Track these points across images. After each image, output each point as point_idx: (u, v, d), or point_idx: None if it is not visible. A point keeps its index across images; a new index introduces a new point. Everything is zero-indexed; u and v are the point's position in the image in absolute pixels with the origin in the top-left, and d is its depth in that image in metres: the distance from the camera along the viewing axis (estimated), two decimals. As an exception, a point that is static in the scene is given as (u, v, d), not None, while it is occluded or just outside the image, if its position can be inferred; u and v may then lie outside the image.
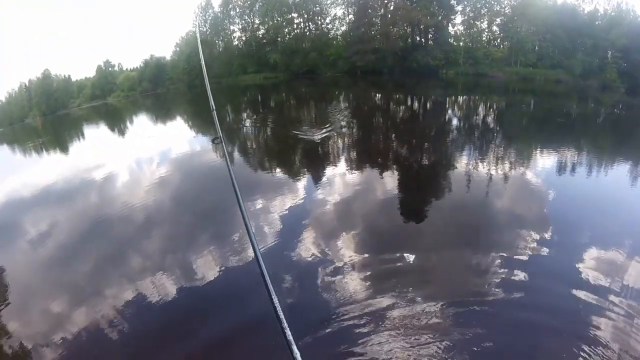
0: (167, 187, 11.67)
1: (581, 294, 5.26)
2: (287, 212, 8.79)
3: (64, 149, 23.60)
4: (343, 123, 17.61)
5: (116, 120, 31.64)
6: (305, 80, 37.53)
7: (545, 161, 11.33)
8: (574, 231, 7.10)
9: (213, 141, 1.59)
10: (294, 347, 1.31)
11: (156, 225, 9.23)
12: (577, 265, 5.95)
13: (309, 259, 6.77)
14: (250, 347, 4.99)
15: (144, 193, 11.34)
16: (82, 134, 28.28)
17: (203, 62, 3.14)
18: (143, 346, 5.36)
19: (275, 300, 1.42)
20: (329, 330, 5.05)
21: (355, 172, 11.20)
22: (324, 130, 14.43)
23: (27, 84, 55.46)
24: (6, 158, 24.81)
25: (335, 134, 14.70)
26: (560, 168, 10.74)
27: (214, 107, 3.02)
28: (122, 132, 26.64)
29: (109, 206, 10.94)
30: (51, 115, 47.46)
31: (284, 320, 1.41)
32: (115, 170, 14.43)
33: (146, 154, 16.51)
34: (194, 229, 8.89)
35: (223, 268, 6.89)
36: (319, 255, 6.82)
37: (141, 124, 29.61)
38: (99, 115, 36.49)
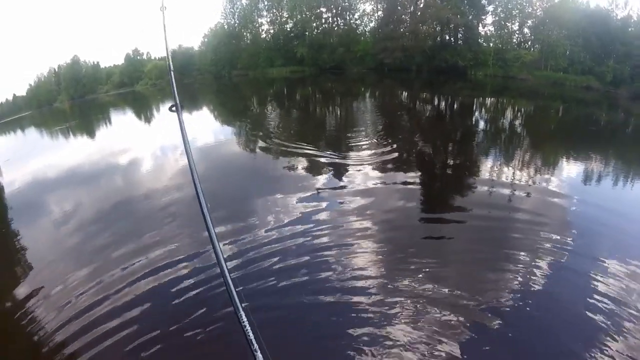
0: (184, 174, 11.80)
1: (601, 305, 5.36)
2: (309, 204, 9.12)
3: (91, 132, 24.54)
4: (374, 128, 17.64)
5: (143, 107, 32.37)
6: (331, 76, 37.66)
7: (572, 168, 11.34)
8: (597, 241, 7.10)
9: (170, 109, 1.67)
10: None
11: (174, 206, 9.57)
12: (598, 276, 6.00)
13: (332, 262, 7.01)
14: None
15: (166, 178, 11.80)
16: (109, 119, 29.14)
17: (169, 53, 3.23)
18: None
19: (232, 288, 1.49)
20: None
21: (376, 169, 11.33)
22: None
23: (56, 69, 57.08)
24: (35, 140, 25.81)
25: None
26: (587, 176, 10.73)
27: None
28: (147, 119, 27.43)
29: (131, 188, 11.49)
30: (79, 99, 48.76)
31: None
32: (138, 154, 15.09)
33: (170, 141, 16.86)
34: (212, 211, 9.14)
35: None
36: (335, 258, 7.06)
37: (167, 111, 30.17)
38: (125, 102, 37.38)
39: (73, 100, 50.28)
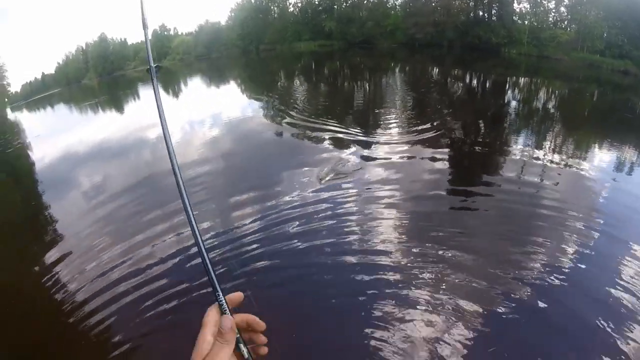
0: (212, 147, 12.34)
1: (629, 286, 5.35)
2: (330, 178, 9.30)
3: (119, 107, 25.11)
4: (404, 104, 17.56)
5: (171, 82, 32.71)
6: (360, 50, 37.22)
7: (604, 154, 11.18)
8: (627, 227, 6.99)
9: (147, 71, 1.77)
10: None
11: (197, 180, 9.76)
12: (625, 260, 5.95)
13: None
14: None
15: (192, 151, 11.99)
16: (137, 95, 29.66)
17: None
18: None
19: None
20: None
21: (403, 145, 11.41)
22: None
23: (84, 47, 57.71)
24: (64, 116, 26.57)
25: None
26: (620, 163, 10.55)
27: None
28: (175, 93, 27.67)
29: (158, 161, 11.65)
30: (107, 76, 49.40)
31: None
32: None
33: (197, 115, 17.39)
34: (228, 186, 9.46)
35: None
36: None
37: (195, 86, 30.53)
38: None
39: (101, 77, 51.09)
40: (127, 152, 13.56)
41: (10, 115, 30.47)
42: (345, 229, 7.10)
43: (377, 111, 15.58)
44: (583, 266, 5.97)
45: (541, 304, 5.14)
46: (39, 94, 45.02)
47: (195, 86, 30.44)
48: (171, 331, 5.14)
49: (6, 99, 40.91)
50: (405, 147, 11.29)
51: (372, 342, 4.84)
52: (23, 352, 5.26)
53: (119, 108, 25.05)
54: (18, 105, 34.28)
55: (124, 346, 5.05)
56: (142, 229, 7.74)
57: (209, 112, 17.83)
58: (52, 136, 19.17)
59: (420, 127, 13.13)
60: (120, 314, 5.57)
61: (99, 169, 12.14)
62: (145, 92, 29.78)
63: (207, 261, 1.03)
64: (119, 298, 5.81)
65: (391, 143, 11.57)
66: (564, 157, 10.83)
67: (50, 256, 7.33)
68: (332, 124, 13.51)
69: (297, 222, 7.37)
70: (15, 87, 49.83)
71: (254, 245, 6.81)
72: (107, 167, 12.15)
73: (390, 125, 13.57)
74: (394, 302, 5.37)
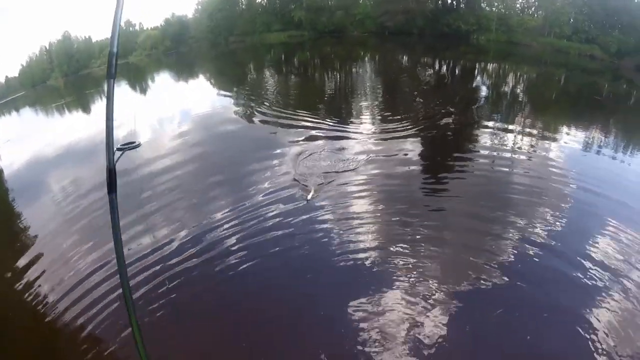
0: (180, 143, 12.06)
1: (591, 276, 5.39)
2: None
3: (86, 108, 24.29)
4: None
5: (137, 79, 31.65)
6: (331, 39, 36.72)
7: (572, 136, 11.18)
8: (594, 209, 7.08)
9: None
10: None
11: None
12: (591, 248, 6.00)
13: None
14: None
15: (161, 148, 11.78)
16: (104, 93, 28.38)
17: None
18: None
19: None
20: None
21: (376, 134, 11.28)
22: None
23: (48, 47, 55.48)
24: (31, 120, 25.53)
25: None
26: (587, 145, 10.59)
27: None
28: (143, 90, 26.94)
29: (128, 161, 10.89)
30: (73, 75, 47.62)
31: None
32: (134, 127, 14.59)
33: (166, 112, 17.02)
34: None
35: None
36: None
37: (163, 81, 29.78)
38: (119, 74, 36.39)
39: (67, 76, 49.15)
40: (96, 153, 12.61)
41: (-26, 123, 28.65)
42: (319, 218, 7.04)
43: (348, 101, 15.37)
44: (553, 242, 6.04)
45: (514, 282, 5.23)
46: (4, 99, 42.79)
47: (163, 82, 29.61)
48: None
49: (-32, 107, 38.92)
50: (377, 135, 11.16)
51: (352, 324, 4.84)
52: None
53: (86, 108, 24.31)
54: None
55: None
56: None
57: (178, 108, 17.36)
58: (21, 141, 18.34)
59: (390, 115, 13.01)
60: (97, 315, 5.57)
61: (68, 171, 11.64)
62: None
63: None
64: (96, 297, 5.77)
65: (362, 133, 11.38)
66: (533, 141, 10.80)
67: (22, 263, 7.16)
68: (303, 115, 13.24)
69: (270, 214, 7.29)
70: None
71: (227, 234, 6.86)
72: (77, 170, 11.67)
73: (362, 114, 13.42)
74: (371, 281, 5.42)
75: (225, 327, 5.19)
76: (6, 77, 56.46)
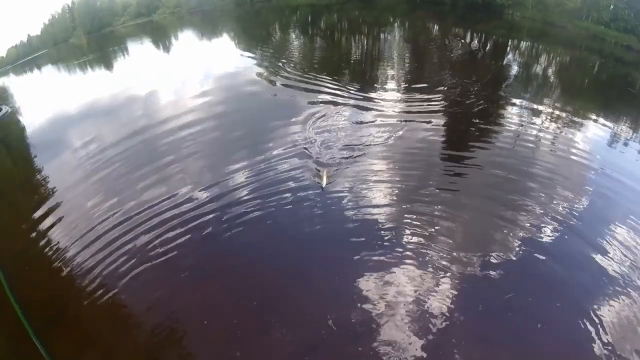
0: (201, 102, 12.19)
1: (604, 269, 5.44)
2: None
3: (108, 65, 24.11)
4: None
5: (162, 37, 31.17)
6: (360, 3, 35.44)
7: (600, 128, 10.93)
8: (610, 205, 7.06)
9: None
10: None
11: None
12: (604, 240, 6.02)
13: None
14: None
15: (182, 105, 12.02)
16: (126, 51, 28.34)
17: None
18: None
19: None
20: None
21: (399, 106, 11.19)
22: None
23: (70, 5, 54.31)
24: (53, 77, 25.42)
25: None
26: (614, 138, 10.35)
27: None
28: (166, 48, 26.79)
29: (149, 119, 11.67)
30: (95, 34, 46.58)
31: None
32: (155, 86, 15.07)
33: (187, 71, 17.12)
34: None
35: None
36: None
37: (186, 40, 29.38)
38: (144, 32, 35.72)
39: (89, 34, 48.15)
40: (117, 110, 13.28)
41: (-3, 80, 28.57)
42: (337, 186, 7.10)
43: (373, 69, 15.17)
44: (566, 237, 6.03)
45: (510, 280, 5.16)
46: (26, 57, 42.27)
47: (186, 40, 29.14)
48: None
49: (-9, 65, 38.50)
50: (401, 106, 11.09)
51: (359, 292, 4.94)
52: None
53: (108, 66, 24.17)
54: (4, 70, 32.12)
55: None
56: (135, 187, 7.94)
57: (201, 67, 17.34)
58: (41, 99, 18.54)
59: (416, 86, 12.84)
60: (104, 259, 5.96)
61: (90, 128, 11.90)
62: (134, 47, 28.92)
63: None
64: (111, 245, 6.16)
65: (387, 101, 11.32)
66: (559, 127, 10.61)
67: (41, 216, 7.49)
68: (325, 81, 13.09)
69: (288, 182, 7.37)
70: (0, 52, 47.04)
71: (247, 192, 7.08)
72: (99, 126, 11.96)
73: (387, 84, 13.23)
74: (382, 252, 5.44)
75: (238, 284, 5.40)
76: (28, 35, 55.93)
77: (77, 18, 52.52)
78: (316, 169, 7.55)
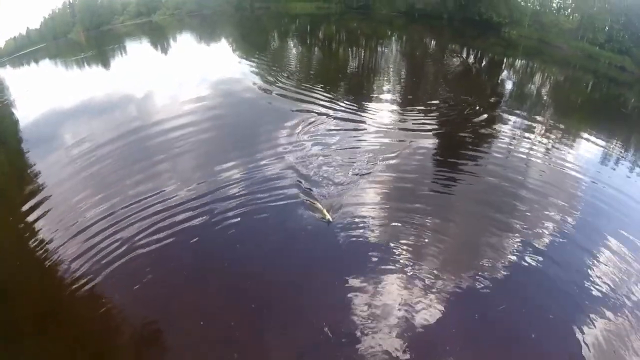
0: (196, 105, 12.13)
1: (597, 280, 5.44)
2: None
3: (105, 63, 23.97)
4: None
5: (160, 38, 31.12)
6: (358, 15, 35.69)
7: (592, 145, 10.95)
8: (601, 218, 7.10)
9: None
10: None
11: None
12: (596, 250, 6.09)
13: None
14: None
15: (176, 108, 11.90)
16: (124, 50, 28.19)
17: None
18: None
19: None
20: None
21: (393, 118, 11.16)
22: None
23: (71, 1, 54.47)
24: (49, 72, 25.20)
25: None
26: (606, 156, 10.39)
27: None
28: (164, 50, 26.64)
29: (143, 118, 11.63)
30: (95, 30, 46.63)
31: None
32: (151, 86, 15.12)
33: (184, 74, 17.07)
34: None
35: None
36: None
37: (185, 43, 29.37)
38: (142, 32, 35.80)
39: (88, 31, 48.18)
40: (112, 108, 13.20)
41: (-7, 72, 28.35)
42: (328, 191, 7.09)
43: (369, 81, 15.20)
44: (560, 248, 6.07)
45: (501, 293, 5.12)
46: (24, 50, 42.12)
47: (185, 43, 29.10)
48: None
49: (-11, 56, 38.28)
50: (395, 119, 11.03)
51: (356, 298, 4.94)
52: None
53: (105, 64, 24.01)
54: (1, 62, 31.93)
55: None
56: (125, 185, 7.85)
57: (198, 71, 17.34)
58: (37, 92, 18.26)
59: (412, 99, 12.96)
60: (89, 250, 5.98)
61: (83, 124, 11.86)
62: (133, 47, 28.81)
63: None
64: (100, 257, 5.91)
65: (379, 117, 11.14)
66: (552, 143, 10.57)
67: (31, 210, 7.33)
68: (321, 92, 12.98)
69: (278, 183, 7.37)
70: None
71: (235, 192, 7.12)
72: (92, 123, 11.87)
73: (382, 97, 13.17)
74: (373, 259, 5.50)
75: (236, 285, 5.28)
76: (27, 28, 55.82)
77: (77, 14, 52.58)
78: (310, 203, 6.83)
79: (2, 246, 6.64)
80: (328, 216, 6.23)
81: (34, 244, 6.28)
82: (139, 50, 27.52)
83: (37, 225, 6.80)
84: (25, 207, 7.38)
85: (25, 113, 14.94)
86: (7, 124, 14.58)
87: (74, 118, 12.65)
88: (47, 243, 6.28)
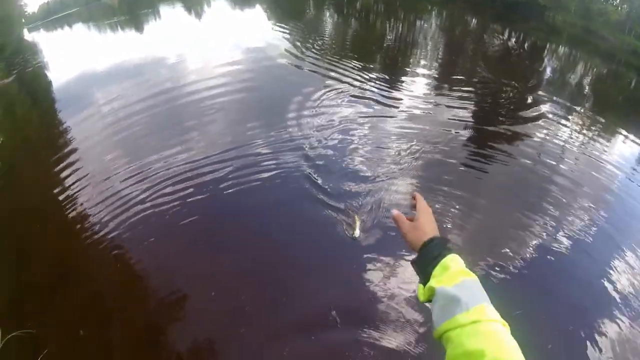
0: (227, 71, 12.09)
1: (623, 294, 5.25)
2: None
3: (139, 27, 24.06)
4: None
5: (194, 2, 30.41)
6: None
7: (630, 144, 10.67)
8: (631, 225, 6.91)
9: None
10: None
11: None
12: (620, 257, 5.91)
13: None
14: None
15: (207, 73, 12.02)
16: (158, 14, 27.98)
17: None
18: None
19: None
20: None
21: (427, 96, 11.08)
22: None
23: None
24: (82, 35, 25.42)
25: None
26: None
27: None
28: (198, 14, 26.56)
29: (176, 82, 11.73)
30: None
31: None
32: (184, 49, 15.19)
33: (216, 39, 17.33)
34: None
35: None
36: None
37: (218, 8, 29.04)
38: None
39: None
40: (143, 71, 13.34)
41: (28, 36, 28.40)
42: (353, 171, 7.10)
43: (405, 56, 14.93)
44: (577, 255, 5.84)
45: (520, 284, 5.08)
46: (57, 14, 41.86)
47: (218, 8, 28.76)
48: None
49: (23, 20, 38.10)
50: (429, 98, 10.91)
51: (369, 284, 4.86)
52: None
53: (139, 28, 24.15)
54: (35, 26, 31.95)
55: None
56: (154, 145, 8.01)
57: (231, 37, 17.38)
58: (70, 56, 18.54)
59: (450, 78, 12.66)
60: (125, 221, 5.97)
61: (116, 87, 12.03)
62: (166, 11, 28.62)
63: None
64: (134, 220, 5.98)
65: (413, 94, 11.08)
66: (588, 139, 10.33)
67: (64, 175, 7.49)
68: (355, 65, 12.77)
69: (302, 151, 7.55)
70: (32, 7, 46.59)
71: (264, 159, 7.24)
72: (125, 86, 12.02)
73: (417, 75, 12.96)
74: (392, 240, 5.36)
75: (242, 261, 5.30)
76: None
77: (110, -23, 51.93)
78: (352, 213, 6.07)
79: (29, 207, 6.82)
80: (358, 232, 5.51)
81: (62, 207, 6.52)
82: (172, 14, 27.47)
83: (65, 186, 7.07)
84: (56, 169, 7.72)
85: (58, 75, 15.35)
86: (41, 84, 15.05)
87: (106, 80, 12.93)
88: (73, 205, 6.53)
